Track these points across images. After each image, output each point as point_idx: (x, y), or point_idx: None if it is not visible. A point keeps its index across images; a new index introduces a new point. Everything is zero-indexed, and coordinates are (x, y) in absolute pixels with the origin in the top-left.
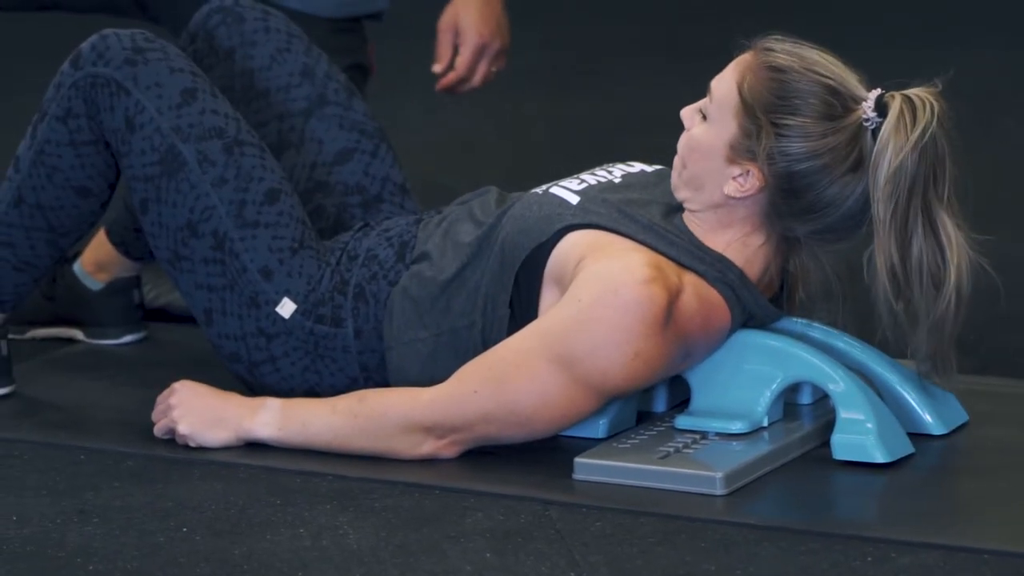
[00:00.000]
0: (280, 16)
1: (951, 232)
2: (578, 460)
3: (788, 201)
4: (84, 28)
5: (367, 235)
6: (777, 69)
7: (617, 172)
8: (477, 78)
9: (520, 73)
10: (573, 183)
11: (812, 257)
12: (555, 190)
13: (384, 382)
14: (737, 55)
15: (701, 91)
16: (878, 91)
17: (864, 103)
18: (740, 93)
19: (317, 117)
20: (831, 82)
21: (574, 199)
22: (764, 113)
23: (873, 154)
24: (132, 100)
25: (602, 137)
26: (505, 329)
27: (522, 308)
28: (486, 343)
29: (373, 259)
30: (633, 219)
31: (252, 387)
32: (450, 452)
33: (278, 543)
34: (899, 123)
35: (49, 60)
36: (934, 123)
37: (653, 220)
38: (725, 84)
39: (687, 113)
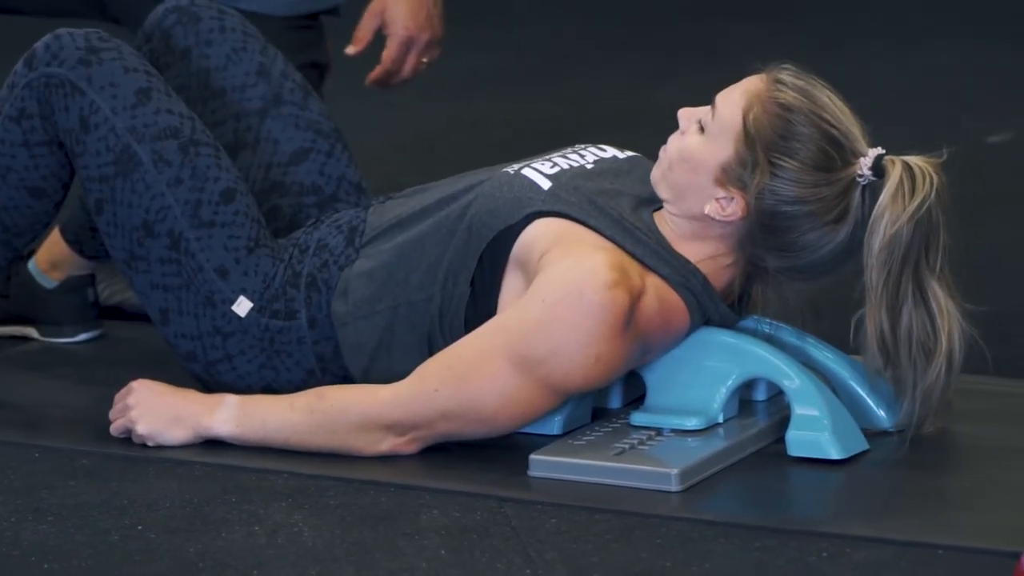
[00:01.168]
0: (236, 15)
1: (942, 302)
2: (534, 457)
3: (765, 236)
4: (38, 28)
5: (317, 228)
6: (785, 107)
7: (589, 156)
8: (406, 71)
9: (480, 72)
10: (545, 166)
11: (775, 285)
12: (527, 172)
13: (341, 372)
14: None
15: (664, 91)
16: (879, 151)
17: (862, 159)
18: (745, 122)
19: (273, 117)
20: (835, 132)
21: (545, 184)
22: (764, 149)
23: (870, 221)
24: (87, 100)
25: (563, 137)
26: (464, 306)
27: (483, 288)
28: (442, 318)
29: (323, 248)
30: (603, 211)
31: (209, 385)
32: (410, 449)
33: (233, 541)
34: (898, 192)
35: (2, 61)
36: (932, 196)
37: (623, 214)
38: (731, 107)
39: (685, 115)
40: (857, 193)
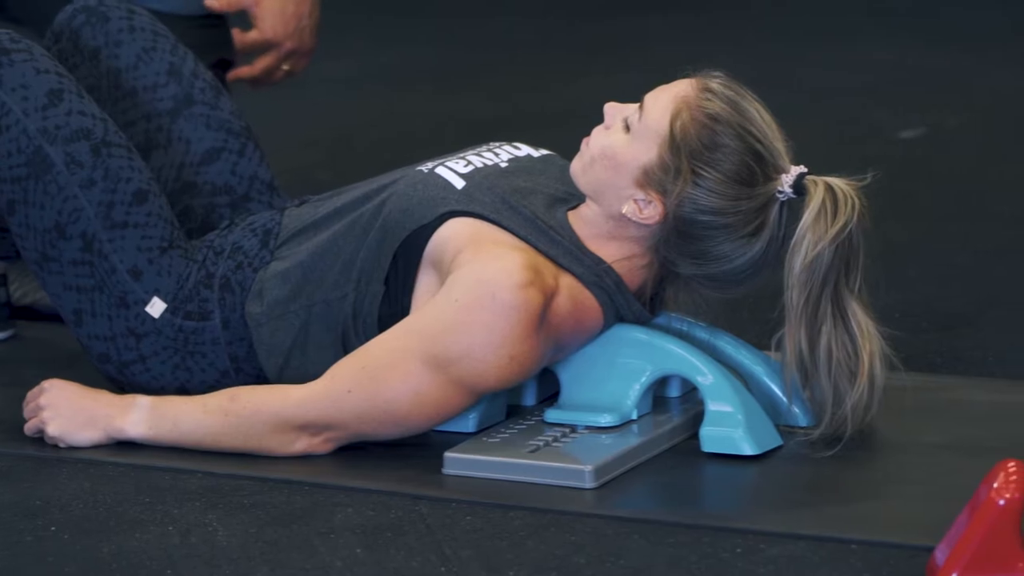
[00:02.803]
0: (145, 15)
1: (862, 320)
2: (448, 455)
3: (680, 242)
4: None
5: (232, 231)
6: (713, 118)
7: (504, 155)
8: (256, 70)
9: (397, 67)
10: (459, 164)
11: (688, 290)
12: (440, 171)
13: (256, 372)
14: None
15: (583, 87)
16: (801, 169)
17: (784, 176)
18: (672, 128)
19: (184, 117)
20: (759, 147)
21: (459, 183)
22: (688, 157)
23: (791, 242)
24: None
25: (482, 133)
26: (377, 305)
27: (397, 287)
28: (356, 317)
29: (238, 250)
30: (516, 211)
31: (122, 387)
32: (324, 449)
33: (147, 541)
34: (820, 214)
35: None
36: (854, 220)
37: (536, 213)
38: (659, 110)
39: (611, 111)
40: (775, 209)
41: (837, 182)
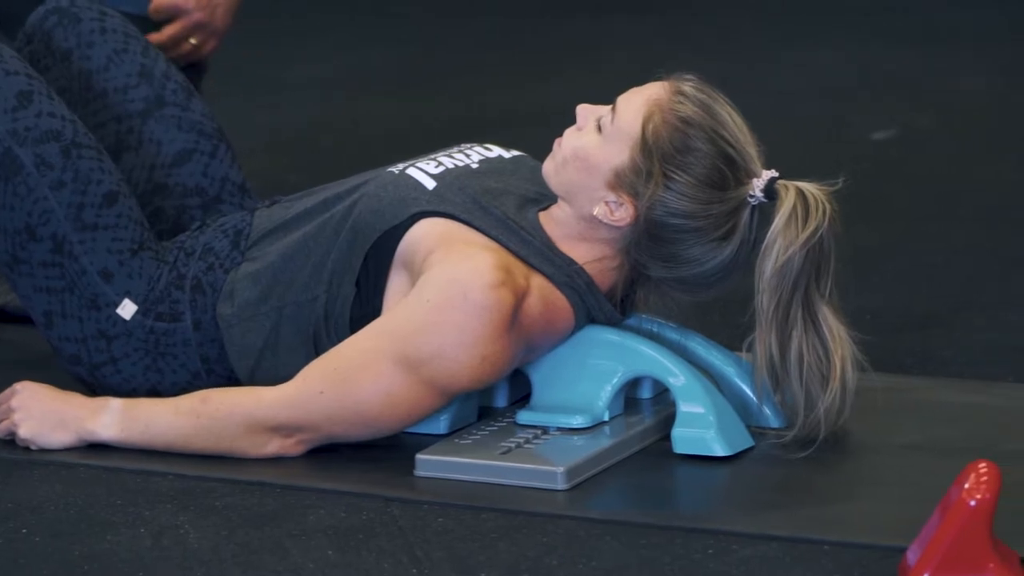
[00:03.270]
0: (117, 17)
1: (833, 325)
2: (420, 456)
3: (651, 244)
4: None
5: (203, 232)
6: (685, 121)
7: (475, 156)
8: (163, 37)
9: (365, 69)
10: (430, 165)
11: (659, 293)
12: (412, 171)
13: (227, 373)
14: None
15: (549, 89)
16: (772, 173)
17: (755, 180)
18: (644, 131)
19: (155, 118)
20: (731, 151)
21: (430, 183)
22: (660, 160)
23: (762, 246)
24: None
25: (450, 136)
26: (349, 307)
27: (369, 288)
28: (328, 318)
29: (209, 252)
30: (487, 211)
31: (93, 388)
32: (296, 451)
33: (119, 543)
34: (791, 219)
35: None
36: (825, 224)
37: (507, 213)
38: (632, 113)
39: (584, 112)
40: (746, 213)
41: (808, 187)
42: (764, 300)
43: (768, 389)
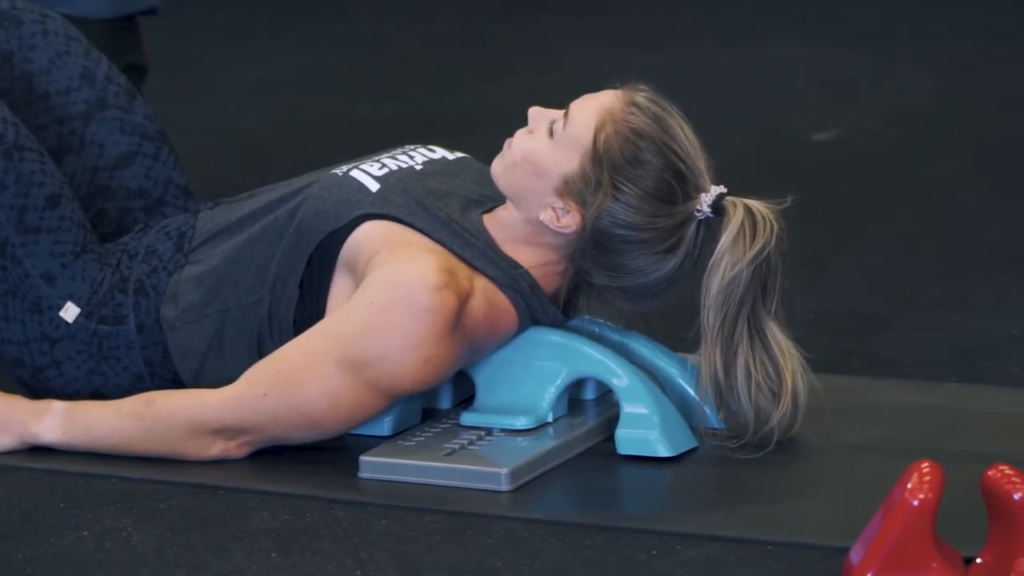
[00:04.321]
0: (58, 19)
1: (780, 340)
2: (363, 458)
3: (595, 253)
4: None
5: (146, 234)
6: (637, 133)
7: (419, 157)
8: None
9: (310, 71)
10: (374, 167)
11: (601, 300)
12: (355, 173)
13: (171, 376)
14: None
15: (496, 91)
16: (721, 189)
17: (703, 195)
18: (596, 140)
19: (97, 121)
20: (681, 165)
21: (374, 186)
22: (610, 171)
23: (709, 262)
24: None
25: (395, 137)
26: (293, 309)
27: (312, 290)
28: (272, 320)
29: (152, 254)
30: (431, 213)
31: (36, 392)
32: (240, 453)
33: (62, 546)
34: (739, 236)
35: None
36: (772, 243)
37: (451, 215)
38: (584, 120)
39: (536, 115)
40: (692, 227)
41: (756, 204)
42: (710, 317)
43: (712, 404)
